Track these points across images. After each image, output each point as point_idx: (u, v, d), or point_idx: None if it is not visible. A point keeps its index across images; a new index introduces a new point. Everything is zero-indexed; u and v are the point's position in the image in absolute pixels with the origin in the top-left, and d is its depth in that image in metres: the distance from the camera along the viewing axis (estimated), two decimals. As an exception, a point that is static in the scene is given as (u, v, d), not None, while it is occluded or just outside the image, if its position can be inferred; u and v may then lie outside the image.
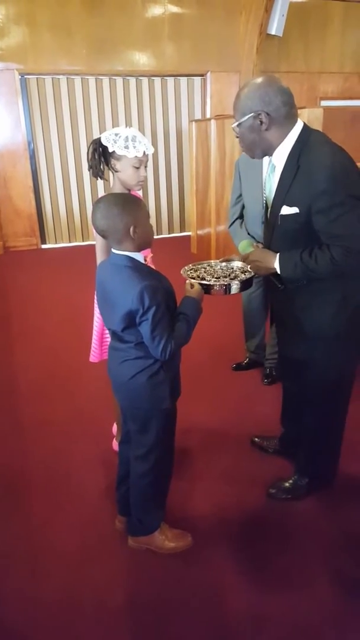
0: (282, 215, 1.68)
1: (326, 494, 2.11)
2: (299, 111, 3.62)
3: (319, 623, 1.59)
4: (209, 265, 1.99)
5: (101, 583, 1.75)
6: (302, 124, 1.66)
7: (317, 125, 3.58)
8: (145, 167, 1.93)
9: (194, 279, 1.79)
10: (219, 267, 1.98)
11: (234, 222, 2.90)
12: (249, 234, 2.78)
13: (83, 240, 7.18)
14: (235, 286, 1.79)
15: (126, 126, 1.94)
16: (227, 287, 1.78)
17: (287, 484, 2.11)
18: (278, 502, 2.08)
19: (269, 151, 1.70)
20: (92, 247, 2.04)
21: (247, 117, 1.62)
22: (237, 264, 1.97)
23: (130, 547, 1.88)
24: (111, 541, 1.92)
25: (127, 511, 1.88)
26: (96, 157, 1.91)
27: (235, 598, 1.68)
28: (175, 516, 1.99)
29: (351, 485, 2.18)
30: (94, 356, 2.22)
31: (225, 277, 1.86)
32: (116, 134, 1.87)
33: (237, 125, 1.67)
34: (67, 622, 1.62)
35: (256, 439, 2.43)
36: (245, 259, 1.86)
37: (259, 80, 1.62)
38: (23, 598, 1.71)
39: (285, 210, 1.67)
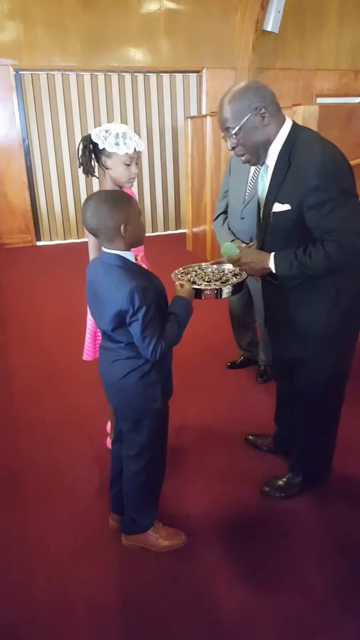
0: (274, 212, 1.68)
1: (320, 492, 2.11)
2: (295, 108, 3.63)
3: (312, 622, 1.59)
4: (199, 268, 1.95)
5: (95, 581, 1.75)
6: (291, 122, 1.66)
7: (313, 123, 3.57)
8: (137, 163, 1.91)
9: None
10: (209, 269, 1.94)
11: (218, 216, 2.91)
12: (229, 228, 2.79)
13: (78, 237, 7.16)
14: (226, 290, 1.76)
15: (121, 122, 1.93)
16: (219, 292, 1.75)
17: (280, 482, 2.11)
18: (272, 500, 2.08)
19: (267, 150, 1.68)
20: (87, 244, 2.02)
21: (247, 116, 1.58)
22: (228, 266, 1.94)
23: (124, 546, 1.87)
24: (105, 539, 1.92)
25: (121, 509, 1.88)
26: (87, 154, 1.89)
27: (228, 596, 1.68)
28: (168, 514, 1.99)
29: (344, 484, 2.18)
30: (87, 354, 2.21)
31: (217, 280, 1.83)
32: (106, 131, 1.85)
33: (239, 130, 1.60)
34: (60, 621, 1.61)
35: (250, 437, 2.43)
36: (234, 262, 1.81)
37: (243, 83, 1.62)
38: (16, 597, 1.70)
39: (277, 207, 1.66)
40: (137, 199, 1.72)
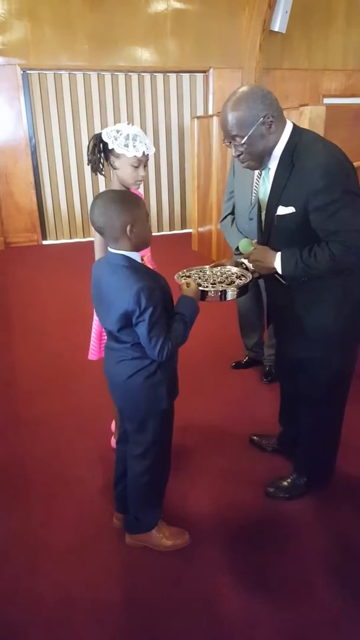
0: (278, 215, 1.67)
1: (324, 493, 2.11)
2: (302, 108, 3.63)
3: (315, 624, 1.59)
4: (201, 271, 1.92)
5: (98, 580, 1.75)
6: (291, 124, 1.65)
7: (320, 123, 3.57)
8: (145, 167, 1.90)
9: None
10: (209, 272, 1.90)
11: (225, 217, 2.91)
12: (238, 230, 2.79)
13: (84, 237, 7.17)
14: (231, 292, 1.73)
15: (128, 123, 1.92)
16: (223, 294, 1.72)
17: (285, 483, 2.10)
18: (276, 501, 2.08)
19: (270, 155, 1.67)
20: (93, 243, 2.02)
21: (256, 125, 1.56)
22: (232, 269, 1.91)
23: (128, 545, 1.88)
24: (109, 538, 1.92)
25: (125, 509, 1.88)
26: (96, 152, 1.89)
27: (231, 597, 1.68)
28: (172, 514, 1.99)
29: (348, 484, 2.17)
30: (92, 354, 2.21)
31: (222, 282, 1.80)
32: (117, 131, 1.84)
33: (248, 139, 1.58)
34: (65, 619, 1.62)
35: (255, 438, 2.43)
36: (247, 257, 1.84)
37: (246, 89, 1.58)
38: (21, 595, 1.71)
39: (282, 210, 1.66)
40: (143, 199, 1.71)
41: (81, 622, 1.61)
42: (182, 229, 7.66)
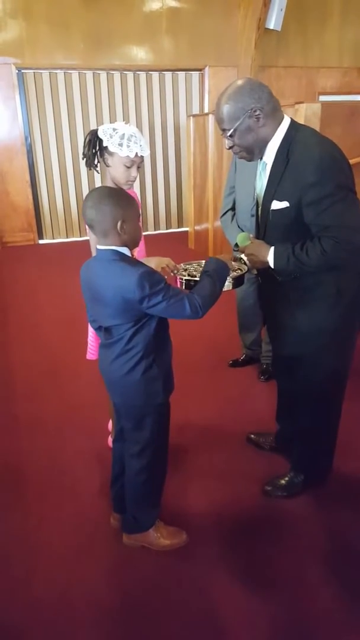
0: (272, 210, 1.68)
1: (321, 491, 2.11)
2: (297, 106, 3.62)
3: (314, 621, 1.59)
4: (198, 265, 1.94)
5: (96, 580, 1.75)
6: (289, 120, 1.66)
7: (315, 120, 3.56)
8: (138, 167, 1.89)
9: (184, 276, 1.76)
10: None
11: (225, 213, 2.90)
12: (238, 226, 2.78)
13: (80, 236, 7.16)
14: (227, 282, 1.74)
15: (124, 122, 1.91)
16: None
17: (282, 481, 2.10)
18: (274, 499, 2.08)
19: (264, 149, 1.69)
20: (89, 242, 2.02)
21: (242, 118, 1.59)
22: (230, 262, 1.93)
23: (125, 545, 1.87)
24: (106, 538, 1.92)
25: (122, 508, 1.87)
26: (91, 148, 1.89)
27: (229, 596, 1.68)
28: (170, 513, 1.98)
29: (346, 483, 2.17)
30: (91, 354, 2.20)
31: None
32: (114, 129, 1.84)
33: (234, 131, 1.62)
34: (62, 620, 1.61)
35: (252, 436, 2.42)
36: (243, 251, 1.85)
37: (239, 82, 1.61)
38: (18, 596, 1.71)
39: (276, 205, 1.66)
40: (140, 199, 1.71)
41: (79, 622, 1.60)
42: (178, 227, 7.66)
